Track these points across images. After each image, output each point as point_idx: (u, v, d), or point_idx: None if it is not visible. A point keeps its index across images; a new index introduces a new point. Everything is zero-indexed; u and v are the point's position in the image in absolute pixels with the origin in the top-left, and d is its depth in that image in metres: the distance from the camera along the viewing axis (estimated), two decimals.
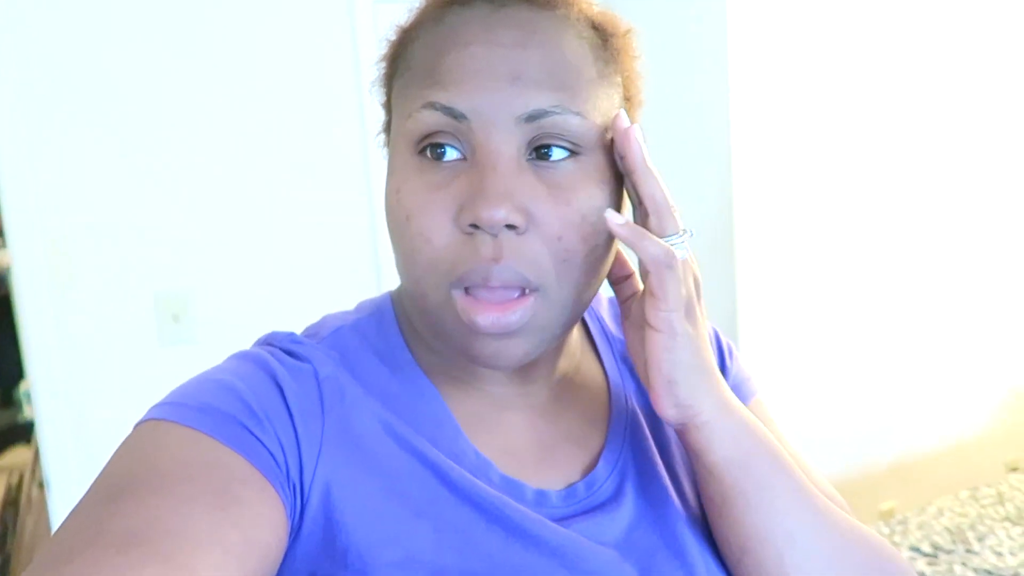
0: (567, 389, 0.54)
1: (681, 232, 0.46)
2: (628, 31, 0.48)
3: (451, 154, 0.44)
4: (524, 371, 0.52)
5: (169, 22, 1.51)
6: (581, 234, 0.44)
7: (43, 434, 1.49)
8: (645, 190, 0.46)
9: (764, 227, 1.66)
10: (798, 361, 1.77)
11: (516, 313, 0.43)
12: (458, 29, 0.44)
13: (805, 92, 1.67)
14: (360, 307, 0.55)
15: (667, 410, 0.46)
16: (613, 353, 0.58)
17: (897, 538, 1.59)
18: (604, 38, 0.47)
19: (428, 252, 0.43)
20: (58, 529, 0.37)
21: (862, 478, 1.93)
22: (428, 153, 0.44)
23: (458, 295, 0.43)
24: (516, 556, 0.45)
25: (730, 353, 0.62)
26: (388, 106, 0.50)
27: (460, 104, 0.43)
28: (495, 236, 0.42)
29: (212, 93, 1.53)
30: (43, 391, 1.48)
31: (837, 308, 1.81)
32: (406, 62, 0.47)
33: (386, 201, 0.47)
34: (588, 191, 0.44)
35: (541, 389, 0.53)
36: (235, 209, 1.56)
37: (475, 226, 0.42)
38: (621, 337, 0.58)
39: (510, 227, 0.42)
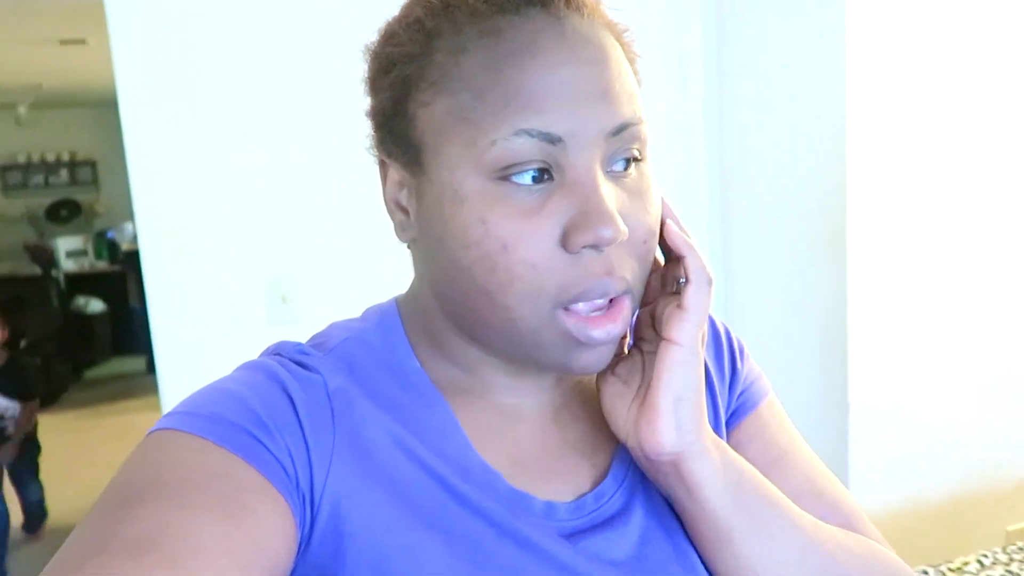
0: (577, 398, 0.54)
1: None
2: (628, 31, 0.48)
3: (537, 176, 0.43)
4: (537, 380, 0.51)
5: (284, 24, 1.57)
6: (655, 232, 0.47)
7: (165, 404, 1.61)
8: (672, 240, 0.48)
9: (881, 228, 1.54)
10: (915, 366, 1.64)
11: (621, 319, 0.45)
12: (534, 46, 0.42)
13: (925, 91, 1.53)
14: (366, 315, 0.54)
15: (667, 434, 0.46)
16: None
17: (1015, 567, 1.46)
18: (621, 41, 0.47)
19: (533, 278, 0.43)
20: (70, 535, 0.38)
21: (987, 495, 1.77)
22: (512, 178, 0.42)
23: (561, 313, 0.44)
24: (528, 570, 0.44)
25: (741, 352, 0.60)
26: (407, 122, 0.46)
27: (556, 128, 0.42)
28: (602, 252, 0.43)
29: (321, 92, 1.59)
30: (166, 364, 1.60)
31: (958, 311, 1.66)
32: (450, 78, 0.43)
33: (458, 231, 0.44)
34: (654, 192, 0.47)
35: (551, 399, 0.53)
36: (339, 199, 1.62)
37: (587, 246, 0.43)
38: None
39: None
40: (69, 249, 5.93)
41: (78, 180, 6.29)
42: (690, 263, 0.47)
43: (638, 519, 0.49)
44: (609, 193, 0.43)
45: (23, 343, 4.82)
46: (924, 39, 1.52)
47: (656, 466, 0.48)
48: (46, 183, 6.21)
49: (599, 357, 0.46)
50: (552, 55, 0.42)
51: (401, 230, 0.50)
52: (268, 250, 1.62)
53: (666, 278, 0.50)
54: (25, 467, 3.07)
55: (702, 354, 0.47)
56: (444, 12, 0.44)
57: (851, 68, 1.46)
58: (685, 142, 1.81)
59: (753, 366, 0.61)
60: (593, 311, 0.44)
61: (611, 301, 0.45)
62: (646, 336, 0.50)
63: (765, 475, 0.53)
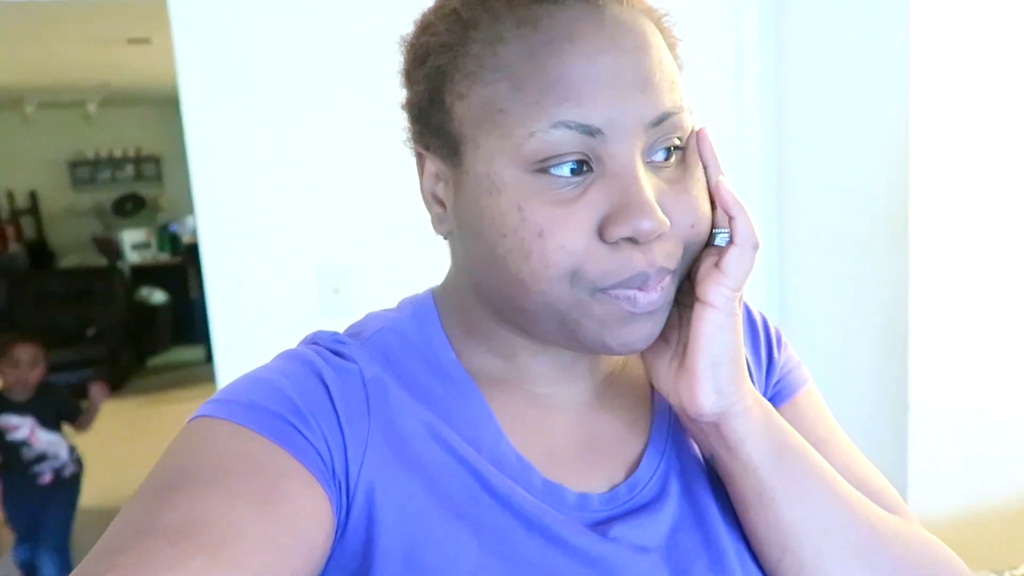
0: (611, 387, 0.53)
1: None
2: (667, 15, 0.47)
3: (576, 169, 0.42)
4: (572, 368, 0.51)
5: (338, 22, 1.60)
6: (705, 213, 0.46)
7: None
8: (722, 197, 0.47)
9: (945, 220, 1.49)
10: (980, 365, 1.58)
11: (661, 289, 0.44)
12: (571, 35, 0.41)
13: (991, 81, 1.47)
14: (402, 306, 0.54)
15: (706, 397, 0.46)
16: None
17: None
18: (661, 27, 0.46)
19: (569, 263, 0.42)
20: (113, 521, 0.39)
21: None
22: (551, 170, 0.42)
23: (611, 292, 0.43)
24: (556, 565, 0.44)
25: (779, 341, 0.60)
26: (444, 113, 0.45)
27: (595, 119, 0.41)
28: (641, 243, 0.42)
29: (374, 88, 1.61)
30: (223, 354, 1.65)
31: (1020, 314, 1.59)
32: (486, 68, 0.43)
33: (495, 219, 0.43)
34: (697, 174, 0.46)
35: (586, 388, 0.52)
36: (391, 193, 1.63)
37: (626, 238, 0.42)
38: None
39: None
40: (134, 242, 6.14)
41: (143, 175, 6.50)
42: (739, 224, 0.46)
43: (671, 507, 0.49)
44: (649, 184, 0.43)
45: (90, 332, 5.03)
46: (990, 28, 1.46)
47: (698, 425, 0.49)
48: (113, 178, 6.43)
49: (639, 333, 0.45)
50: (591, 44, 0.41)
51: (438, 222, 0.50)
52: (321, 243, 1.65)
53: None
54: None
55: (739, 314, 0.47)
56: (481, 2, 0.43)
57: (915, 58, 1.41)
58: (740, 132, 1.78)
59: (792, 355, 0.60)
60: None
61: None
62: (683, 289, 0.49)
63: None
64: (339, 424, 0.44)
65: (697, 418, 0.47)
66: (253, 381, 0.46)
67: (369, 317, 0.54)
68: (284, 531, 0.39)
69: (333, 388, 0.46)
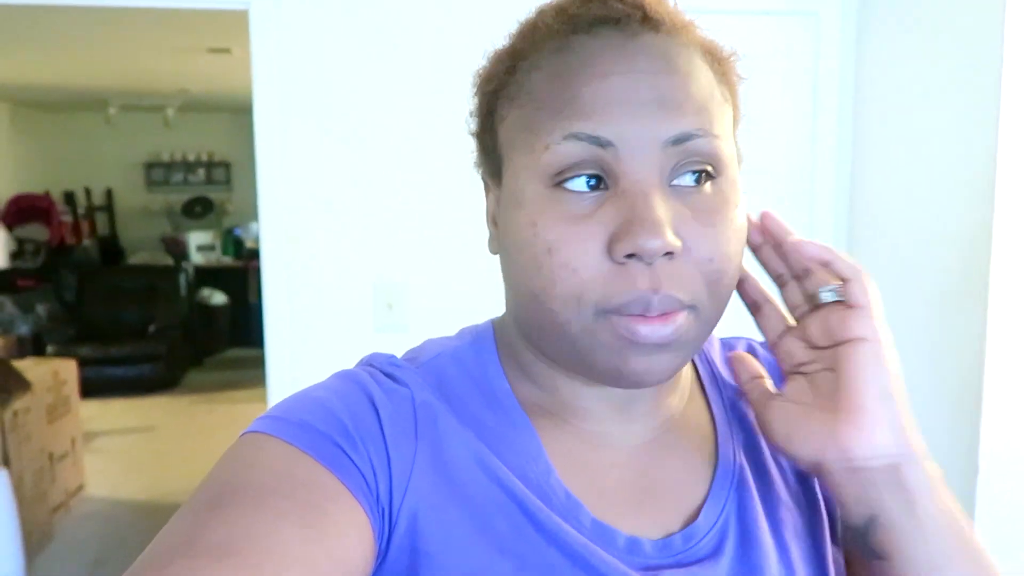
0: (671, 432, 0.51)
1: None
2: (733, 54, 0.48)
3: (591, 184, 0.42)
4: (628, 408, 0.49)
5: (407, 43, 1.62)
6: (728, 254, 0.44)
7: (272, 397, 1.68)
8: (809, 252, 0.47)
9: None
10: None
11: (673, 324, 0.43)
12: (594, 58, 0.43)
13: None
14: (461, 334, 0.54)
15: (881, 433, 0.43)
16: (722, 399, 0.54)
17: None
18: (717, 61, 0.46)
19: (573, 282, 0.42)
20: (161, 532, 0.40)
21: None
22: (566, 184, 0.43)
23: (610, 316, 0.42)
24: None
25: None
26: (492, 137, 0.48)
27: (605, 132, 0.42)
28: (650, 264, 0.41)
29: (436, 108, 1.62)
30: (275, 360, 1.67)
31: None
32: (523, 92, 0.45)
33: (516, 235, 0.45)
34: (729, 212, 0.44)
35: (643, 429, 0.50)
36: (448, 212, 1.65)
37: (630, 255, 0.41)
38: (731, 383, 0.55)
39: (667, 254, 0.41)
40: (199, 243, 6.34)
41: (213, 179, 6.72)
42: (841, 265, 0.46)
43: (726, 566, 0.47)
44: (663, 204, 0.42)
45: (152, 328, 5.19)
46: None
47: (866, 477, 0.44)
48: (185, 181, 6.66)
49: (651, 365, 0.43)
50: (608, 65, 0.43)
51: (491, 242, 0.52)
52: (379, 258, 1.66)
53: (792, 299, 0.49)
54: None
55: (894, 350, 0.45)
56: (531, 34, 0.46)
57: (1006, 99, 1.35)
58: (813, 174, 1.73)
59: None
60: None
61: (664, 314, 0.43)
62: (806, 359, 0.48)
63: None
64: (386, 448, 0.44)
65: (867, 463, 0.43)
66: (306, 400, 0.46)
67: (428, 343, 0.54)
68: (326, 554, 0.39)
69: (383, 411, 0.46)
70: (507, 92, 0.46)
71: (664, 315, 0.42)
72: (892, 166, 1.61)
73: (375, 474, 0.43)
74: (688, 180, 0.44)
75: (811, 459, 0.46)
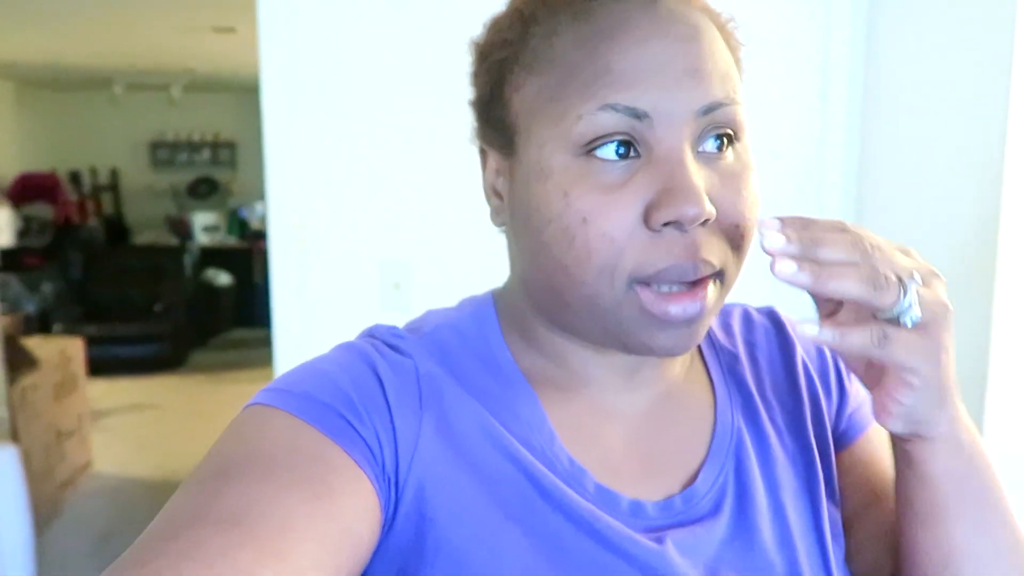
0: (672, 398, 0.52)
1: (903, 291, 0.39)
2: (731, 20, 0.47)
3: (619, 152, 0.42)
4: (633, 376, 0.50)
5: (415, 23, 1.61)
6: (752, 219, 0.45)
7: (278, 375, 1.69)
8: (841, 287, 0.38)
9: None
10: None
11: (703, 299, 0.43)
12: (624, 24, 0.43)
13: None
14: (461, 305, 0.54)
15: (895, 423, 0.43)
16: (720, 364, 0.55)
17: None
18: (720, 26, 0.46)
19: (610, 253, 0.42)
20: (167, 504, 0.40)
21: None
22: (596, 152, 0.42)
23: (642, 290, 0.43)
24: (605, 569, 0.44)
25: (848, 374, 0.57)
26: (503, 106, 0.47)
27: (642, 103, 0.41)
28: (685, 232, 0.42)
29: (444, 87, 1.61)
30: (283, 340, 1.68)
31: None
32: (542, 60, 0.44)
33: (543, 206, 0.44)
34: (749, 177, 0.45)
35: (646, 397, 0.51)
36: (455, 192, 1.65)
37: (667, 224, 0.41)
38: (729, 348, 0.56)
39: (703, 221, 0.42)
40: (204, 224, 6.34)
41: (218, 160, 6.71)
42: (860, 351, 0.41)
43: (724, 523, 0.48)
44: (696, 171, 0.42)
45: (157, 307, 5.20)
46: None
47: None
48: (190, 161, 6.66)
49: (679, 339, 0.44)
50: (641, 31, 0.42)
51: (495, 214, 0.51)
52: (385, 237, 1.66)
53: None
54: None
55: (951, 345, 0.42)
56: (537, 1, 0.45)
57: (1017, 86, 1.34)
58: (819, 154, 1.72)
59: (860, 389, 0.59)
60: (683, 287, 0.43)
61: (694, 283, 0.43)
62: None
63: (885, 498, 0.52)
64: (391, 419, 0.44)
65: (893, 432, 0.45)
66: (309, 372, 0.46)
67: (429, 314, 0.54)
68: (333, 525, 0.39)
69: (387, 382, 0.46)
70: (522, 60, 0.45)
71: (694, 290, 0.43)
72: (901, 152, 1.60)
73: (380, 445, 0.43)
74: (711, 146, 0.44)
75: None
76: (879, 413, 0.43)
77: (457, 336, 0.51)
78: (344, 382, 0.45)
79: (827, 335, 0.38)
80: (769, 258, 0.38)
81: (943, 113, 1.49)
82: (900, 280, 0.39)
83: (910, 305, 0.39)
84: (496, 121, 0.48)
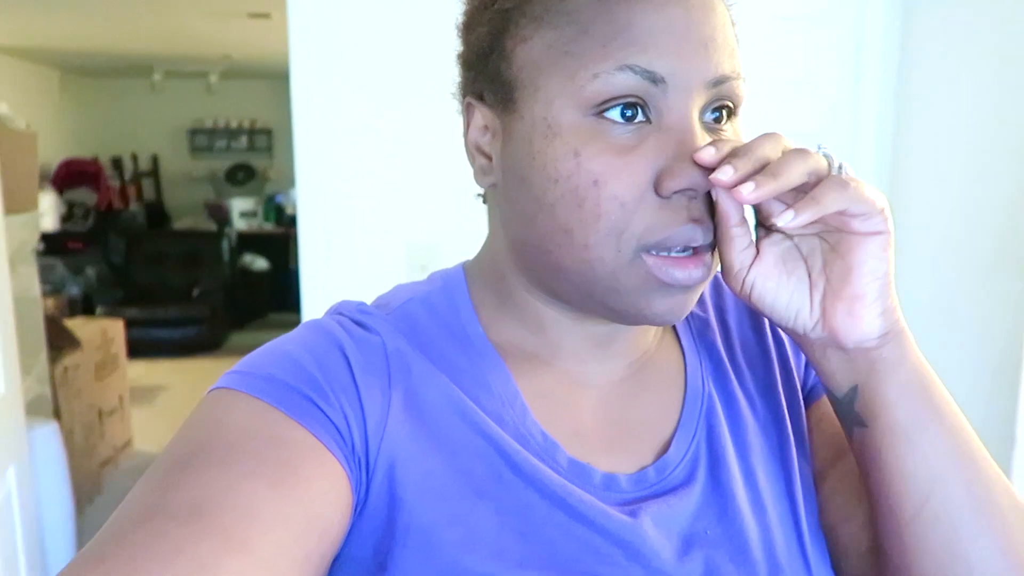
0: (644, 368, 0.51)
1: (828, 157, 0.43)
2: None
3: (627, 115, 0.42)
4: (608, 345, 0.50)
5: (443, 8, 1.61)
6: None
7: None
8: (793, 172, 0.41)
9: None
10: None
11: (705, 265, 0.44)
12: None
13: None
14: (432, 278, 0.53)
15: (875, 322, 0.43)
16: (691, 330, 0.54)
17: None
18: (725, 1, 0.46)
19: (620, 217, 0.42)
20: (128, 495, 0.38)
21: None
22: (605, 114, 0.42)
23: (648, 256, 0.42)
24: (577, 543, 0.43)
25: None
26: (504, 58, 0.45)
27: (660, 68, 0.41)
28: (693, 199, 0.42)
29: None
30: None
31: None
32: (554, 12, 0.43)
33: (548, 165, 0.43)
34: None
35: (619, 367, 0.51)
36: None
37: (678, 191, 0.42)
38: (700, 313, 0.55)
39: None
40: (242, 210, 6.43)
41: (255, 146, 6.79)
42: (832, 202, 0.41)
43: (698, 492, 0.48)
44: (705, 140, 0.43)
45: (195, 292, 5.31)
46: None
47: (849, 355, 0.45)
48: (228, 147, 6.75)
49: (675, 305, 0.44)
50: None
51: (481, 174, 0.49)
52: (413, 220, 1.67)
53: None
54: None
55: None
56: None
57: None
58: (853, 137, 1.68)
59: None
60: (683, 254, 0.43)
61: (695, 249, 0.43)
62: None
63: (844, 455, 0.51)
64: (359, 398, 0.43)
65: (857, 345, 0.44)
66: (273, 353, 0.45)
67: (398, 288, 0.53)
68: (299, 511, 0.38)
69: (354, 361, 0.45)
70: (530, 11, 0.43)
71: (697, 255, 0.43)
72: (936, 134, 1.56)
73: (348, 425, 0.42)
74: (713, 116, 0.45)
75: (798, 330, 0.46)
76: (855, 321, 0.43)
77: (427, 310, 0.50)
78: (309, 362, 0.43)
79: (805, 209, 0.40)
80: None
81: (979, 94, 1.44)
82: (820, 152, 0.43)
83: (840, 164, 0.43)
84: (492, 73, 0.46)
